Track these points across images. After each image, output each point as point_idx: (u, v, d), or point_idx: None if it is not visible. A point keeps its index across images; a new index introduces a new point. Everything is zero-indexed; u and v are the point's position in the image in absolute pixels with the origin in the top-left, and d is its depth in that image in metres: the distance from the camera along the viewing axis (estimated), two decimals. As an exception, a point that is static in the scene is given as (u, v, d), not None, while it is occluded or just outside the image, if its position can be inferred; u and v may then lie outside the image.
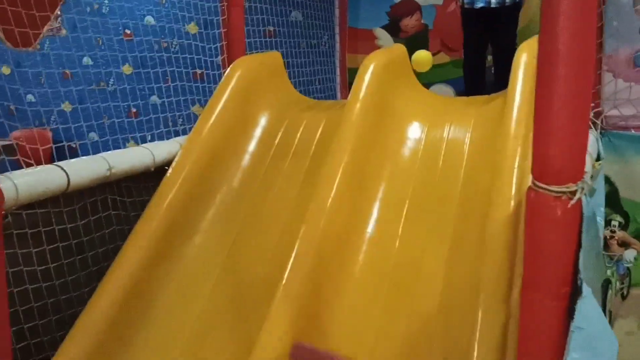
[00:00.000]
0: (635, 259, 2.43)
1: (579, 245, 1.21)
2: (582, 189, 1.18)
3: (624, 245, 2.43)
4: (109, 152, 2.28)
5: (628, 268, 2.43)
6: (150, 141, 2.72)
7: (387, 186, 2.28)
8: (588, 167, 1.32)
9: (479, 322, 1.68)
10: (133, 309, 2.13)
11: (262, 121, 2.69)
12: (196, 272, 2.26)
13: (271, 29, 4.03)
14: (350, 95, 2.36)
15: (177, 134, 2.93)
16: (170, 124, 3.35)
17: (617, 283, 2.42)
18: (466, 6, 3.64)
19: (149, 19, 4.85)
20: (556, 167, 1.18)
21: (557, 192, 1.18)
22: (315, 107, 2.86)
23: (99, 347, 2.01)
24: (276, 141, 2.63)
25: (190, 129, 2.64)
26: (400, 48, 2.73)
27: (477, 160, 2.26)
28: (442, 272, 2.01)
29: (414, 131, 2.45)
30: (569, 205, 1.17)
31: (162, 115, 3.34)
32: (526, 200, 1.25)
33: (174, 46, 4.60)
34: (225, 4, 2.89)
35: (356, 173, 2.19)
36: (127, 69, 4.61)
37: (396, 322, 1.96)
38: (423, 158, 2.37)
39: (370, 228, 2.16)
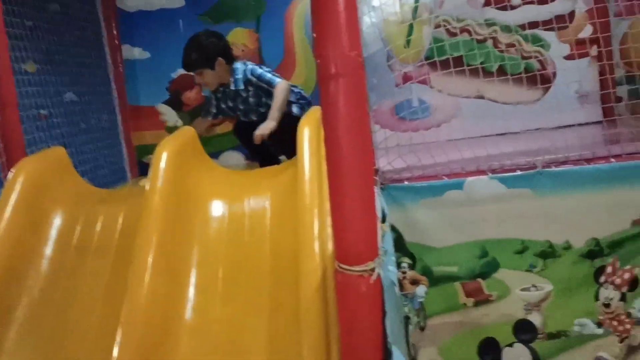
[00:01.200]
0: (426, 293, 2.74)
1: (384, 312, 1.39)
2: (379, 264, 1.36)
3: (415, 282, 2.73)
4: None
5: (421, 302, 2.74)
6: None
7: (199, 269, 2.33)
8: (379, 237, 1.52)
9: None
10: None
11: (56, 221, 2.58)
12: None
13: (44, 112, 3.86)
14: (147, 185, 2.38)
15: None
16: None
17: (415, 317, 2.71)
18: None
19: None
20: (356, 251, 1.35)
21: (359, 271, 1.35)
22: (110, 197, 2.82)
23: None
24: (74, 241, 2.54)
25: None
26: (189, 130, 2.81)
27: (280, 230, 2.41)
28: (263, 345, 2.11)
29: (216, 210, 2.54)
30: (371, 281, 1.35)
31: None
32: (335, 281, 1.40)
33: None
34: (-3, 105, 2.75)
35: (165, 262, 2.20)
36: None
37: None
38: (229, 235, 2.46)
39: (188, 315, 2.19)
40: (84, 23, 4.14)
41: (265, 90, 3.57)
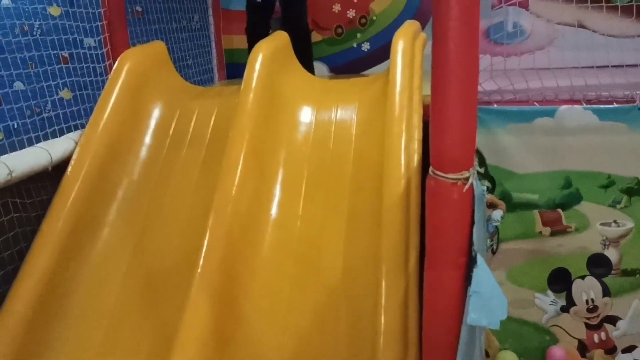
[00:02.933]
0: (502, 217, 2.76)
1: (472, 221, 1.43)
2: (474, 174, 1.39)
3: (492, 206, 2.75)
4: (6, 155, 2.22)
5: (496, 226, 2.76)
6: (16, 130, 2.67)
7: (285, 169, 2.42)
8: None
9: (383, 291, 1.89)
10: (48, 309, 2.14)
11: (155, 112, 2.71)
12: (105, 266, 2.29)
13: (139, 9, 3.96)
14: (242, 85, 2.45)
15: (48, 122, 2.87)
16: (37, 110, 3.22)
17: (488, 240, 2.74)
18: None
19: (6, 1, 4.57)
20: (452, 158, 1.38)
21: (453, 179, 1.39)
22: (205, 94, 2.92)
23: (17, 351, 2.01)
24: (170, 131, 2.67)
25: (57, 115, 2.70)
26: (283, 36, 2.84)
27: (365, 141, 2.45)
28: (341, 246, 2.20)
29: (304, 115, 2.60)
30: (464, 190, 1.38)
31: (26, 103, 3.20)
32: (427, 186, 1.44)
33: (36, 29, 4.38)
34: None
35: (256, 159, 2.31)
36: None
37: (304, 296, 2.14)
38: (315, 140, 2.52)
39: (273, 210, 2.30)
40: None
41: None
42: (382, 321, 1.84)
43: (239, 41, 4.27)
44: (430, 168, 1.43)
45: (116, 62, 2.65)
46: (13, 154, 2.29)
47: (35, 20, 4.37)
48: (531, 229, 2.76)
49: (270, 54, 2.57)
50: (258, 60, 2.51)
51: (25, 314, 2.07)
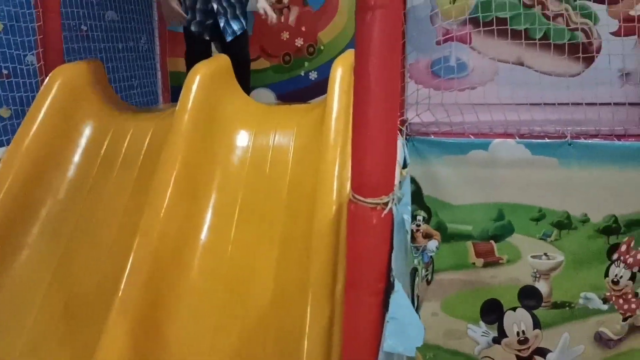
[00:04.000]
0: (437, 248, 2.78)
1: (392, 247, 1.42)
2: (393, 200, 1.39)
3: (428, 236, 2.77)
4: None
5: (431, 257, 2.78)
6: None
7: (219, 193, 2.38)
8: (397, 178, 1.54)
9: (308, 317, 1.85)
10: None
11: (87, 131, 2.64)
12: (23, 290, 2.19)
13: (84, 28, 3.90)
14: (178, 105, 2.42)
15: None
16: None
17: (423, 270, 2.75)
18: (194, 31, 3.39)
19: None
20: (372, 182, 1.38)
21: (372, 203, 1.38)
22: (141, 115, 2.86)
23: None
24: (102, 151, 2.60)
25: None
26: (224, 58, 2.83)
27: (301, 166, 2.44)
28: (273, 272, 2.16)
29: (242, 139, 2.57)
30: (383, 215, 1.37)
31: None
32: (347, 210, 1.43)
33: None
34: (41, 10, 2.79)
35: (188, 181, 2.26)
36: None
37: (232, 320, 2.08)
38: (251, 164, 2.50)
39: (204, 235, 2.25)
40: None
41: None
42: (304, 347, 1.80)
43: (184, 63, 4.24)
44: (350, 192, 1.42)
45: (47, 78, 2.58)
46: None
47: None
48: (465, 259, 2.79)
49: (208, 75, 2.55)
50: (195, 82, 2.49)
51: None
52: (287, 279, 2.10)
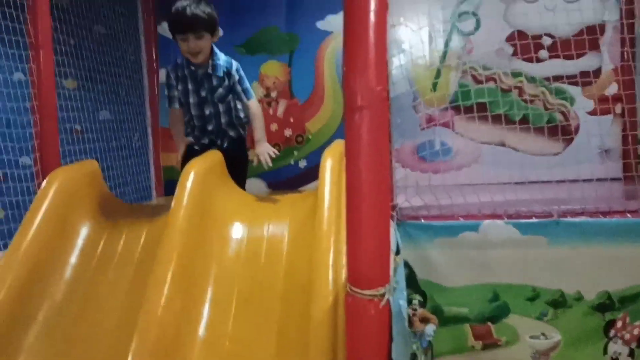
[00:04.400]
0: (435, 332, 2.77)
1: (391, 337, 1.44)
2: (389, 290, 1.42)
3: (425, 320, 2.76)
4: None
5: (429, 341, 2.76)
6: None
7: (215, 286, 2.40)
8: (391, 265, 1.58)
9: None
10: None
11: (83, 232, 2.68)
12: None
13: (78, 127, 4.01)
14: (174, 201, 2.47)
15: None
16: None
17: (422, 356, 2.73)
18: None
19: None
20: (368, 275, 1.42)
21: (370, 295, 1.41)
22: (136, 212, 2.92)
23: None
24: (98, 251, 2.63)
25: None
26: (217, 154, 2.92)
27: (296, 256, 2.48)
28: (272, 365, 2.16)
29: (236, 231, 2.62)
30: (380, 306, 1.41)
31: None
32: (345, 303, 1.46)
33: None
34: (38, 115, 2.89)
35: (185, 276, 2.28)
36: None
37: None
38: (246, 256, 2.53)
39: (201, 330, 2.26)
40: (126, 45, 4.34)
41: (237, 94, 3.31)
42: None
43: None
44: (348, 285, 1.46)
45: (44, 181, 2.64)
46: None
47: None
48: (464, 343, 2.76)
49: (202, 171, 2.63)
50: (189, 179, 2.55)
51: None
52: (288, 372, 2.09)
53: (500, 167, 3.04)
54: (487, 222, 2.73)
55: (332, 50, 4.24)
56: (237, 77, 3.25)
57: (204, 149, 3.23)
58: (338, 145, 2.71)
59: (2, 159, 3.36)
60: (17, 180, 3.26)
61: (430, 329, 2.77)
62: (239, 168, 3.31)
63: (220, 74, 3.20)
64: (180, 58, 3.16)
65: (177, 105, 3.25)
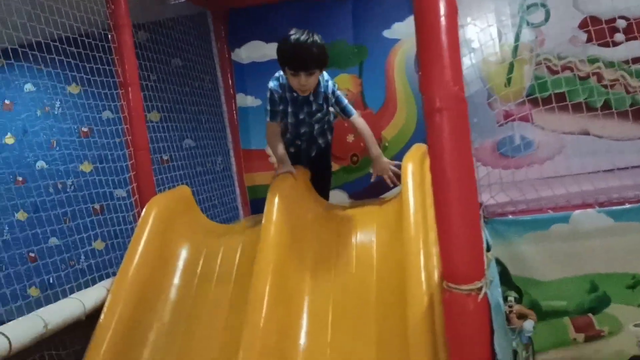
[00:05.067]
0: (534, 327, 2.73)
1: (492, 331, 1.46)
2: (486, 284, 1.45)
3: (522, 316, 2.73)
4: (42, 308, 2.32)
5: (530, 337, 2.73)
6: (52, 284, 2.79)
7: (311, 298, 2.47)
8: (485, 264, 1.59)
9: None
10: None
11: (183, 253, 2.83)
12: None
13: (165, 157, 4.22)
14: (264, 218, 2.57)
15: (81, 273, 3.00)
16: (71, 262, 3.35)
17: (523, 352, 2.70)
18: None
19: (41, 164, 4.97)
20: (463, 269, 1.44)
21: (467, 290, 1.44)
22: (229, 231, 3.05)
23: None
24: (198, 270, 2.77)
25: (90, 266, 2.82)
26: (303, 172, 3.03)
27: (386, 261, 2.51)
28: (374, 371, 2.20)
29: (325, 243, 2.69)
30: (479, 299, 1.43)
31: (60, 257, 3.33)
32: (442, 300, 1.49)
33: (69, 186, 4.69)
34: (132, 149, 3.08)
35: (281, 290, 2.36)
36: (21, 215, 4.66)
37: None
38: (337, 266, 2.59)
39: (302, 340, 2.33)
40: (203, 75, 4.54)
41: (338, 114, 3.37)
42: None
43: (261, 178, 4.48)
44: (444, 282, 1.49)
45: (143, 210, 2.81)
46: (48, 306, 2.38)
47: (69, 178, 4.71)
48: (565, 336, 2.72)
49: (288, 187, 2.72)
50: (276, 195, 2.65)
51: None
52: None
53: (586, 156, 2.98)
54: (577, 212, 2.68)
55: (402, 56, 4.27)
56: (333, 100, 3.27)
57: (293, 157, 3.26)
58: (418, 149, 2.75)
59: (99, 193, 3.59)
60: (114, 211, 3.45)
61: (529, 324, 2.74)
62: (324, 178, 3.38)
63: (321, 101, 3.22)
64: (282, 77, 3.14)
65: (278, 119, 3.19)
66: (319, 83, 3.16)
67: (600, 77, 3.68)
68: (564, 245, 2.67)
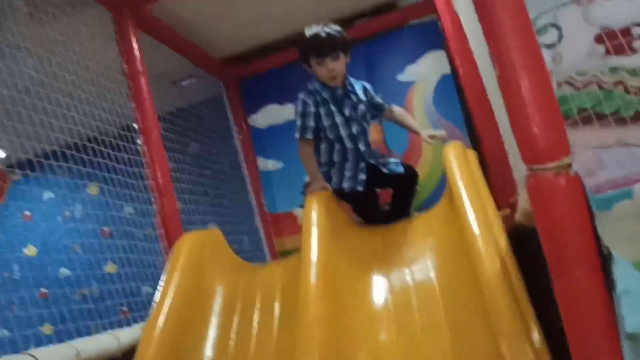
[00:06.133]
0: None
1: (592, 213, 1.26)
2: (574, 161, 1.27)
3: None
4: (77, 339, 2.18)
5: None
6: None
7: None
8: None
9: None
10: None
11: (219, 289, 2.63)
12: None
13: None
14: (303, 224, 2.40)
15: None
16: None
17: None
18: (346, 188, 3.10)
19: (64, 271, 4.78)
20: (544, 145, 1.26)
21: (554, 168, 1.25)
22: (268, 265, 2.86)
23: None
24: (237, 307, 2.56)
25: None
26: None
27: (454, 298, 2.12)
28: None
29: (375, 285, 2.36)
30: (571, 175, 1.24)
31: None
32: (527, 188, 1.30)
33: (93, 292, 4.48)
34: (157, 194, 3.00)
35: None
36: (47, 329, 4.41)
37: None
38: (396, 315, 2.20)
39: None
40: (222, 145, 4.50)
41: (375, 108, 3.30)
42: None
43: (291, 241, 4.30)
44: (526, 167, 1.31)
45: (174, 246, 2.68)
46: (82, 338, 2.25)
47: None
48: None
49: (323, 203, 2.56)
50: (314, 210, 2.48)
51: None
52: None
53: (628, 167, 2.81)
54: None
55: (420, 98, 4.24)
56: (370, 91, 3.27)
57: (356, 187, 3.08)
58: (455, 145, 2.62)
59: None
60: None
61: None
62: (408, 195, 3.30)
63: (359, 92, 3.16)
64: (310, 84, 3.06)
65: (310, 136, 2.99)
66: (349, 80, 3.12)
67: (626, 87, 3.61)
68: (631, 224, 2.46)
